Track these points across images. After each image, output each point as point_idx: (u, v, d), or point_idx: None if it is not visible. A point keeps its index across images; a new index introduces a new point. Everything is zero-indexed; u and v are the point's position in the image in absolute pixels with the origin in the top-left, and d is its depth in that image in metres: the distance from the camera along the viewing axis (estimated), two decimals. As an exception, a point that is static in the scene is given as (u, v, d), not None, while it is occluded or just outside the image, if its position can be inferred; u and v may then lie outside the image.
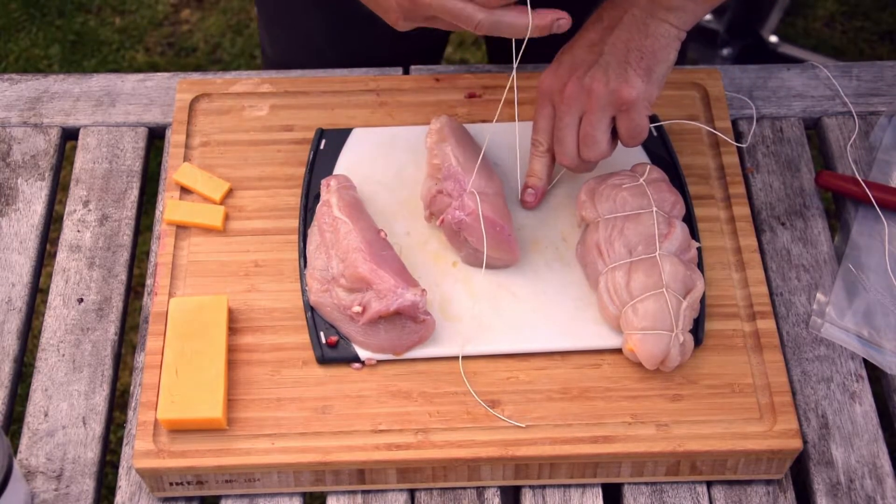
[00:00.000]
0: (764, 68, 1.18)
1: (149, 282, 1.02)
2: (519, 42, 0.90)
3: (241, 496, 0.92)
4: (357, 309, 0.93)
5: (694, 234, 1.00)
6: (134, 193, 1.08)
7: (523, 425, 0.91)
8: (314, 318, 0.96)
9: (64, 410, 0.95)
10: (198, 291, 0.98)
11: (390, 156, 1.06)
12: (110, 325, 1.00)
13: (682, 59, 1.24)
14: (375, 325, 0.93)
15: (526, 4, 0.88)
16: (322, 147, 1.07)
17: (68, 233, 1.05)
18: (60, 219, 1.08)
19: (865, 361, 0.98)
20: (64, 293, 1.02)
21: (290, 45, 1.29)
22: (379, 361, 0.94)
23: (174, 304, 0.95)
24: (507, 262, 0.99)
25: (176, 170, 1.05)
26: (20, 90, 1.16)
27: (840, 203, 1.09)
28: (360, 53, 1.18)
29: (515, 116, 1.03)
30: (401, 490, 0.93)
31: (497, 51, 1.32)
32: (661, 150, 1.06)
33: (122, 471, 0.94)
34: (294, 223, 1.02)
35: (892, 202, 1.05)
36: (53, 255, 1.05)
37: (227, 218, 1.03)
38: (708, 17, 2.23)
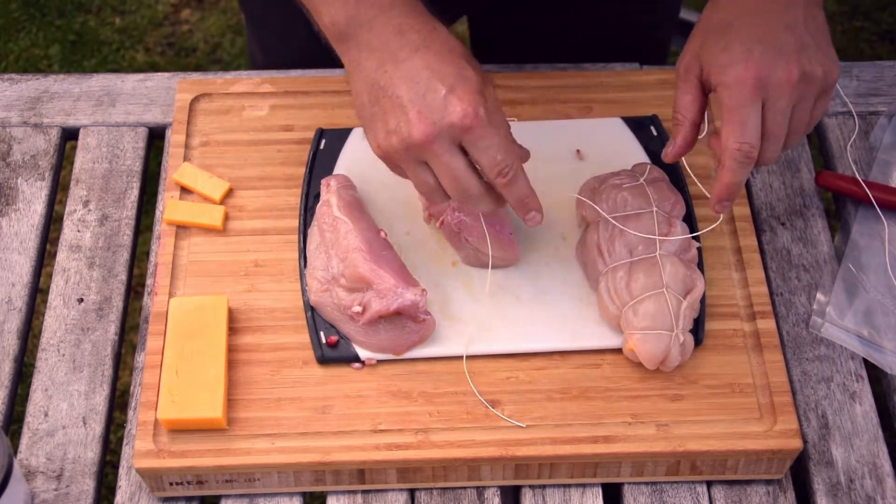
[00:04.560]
0: (764, 68, 1.18)
1: (149, 282, 1.02)
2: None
3: (241, 496, 0.92)
4: (357, 309, 0.93)
5: (694, 234, 1.00)
6: (134, 193, 1.08)
7: (523, 425, 0.91)
8: (314, 317, 0.96)
9: (64, 410, 0.95)
10: (198, 291, 0.98)
11: (390, 156, 1.06)
12: (110, 325, 1.00)
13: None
14: (375, 325, 0.93)
15: None
16: (322, 147, 1.07)
17: (68, 233, 1.05)
18: (60, 219, 1.08)
19: (865, 361, 0.98)
20: (64, 293, 1.02)
21: (276, 51, 1.28)
22: (379, 361, 0.94)
23: (174, 304, 0.95)
24: (507, 261, 0.98)
25: (176, 170, 1.05)
26: (20, 90, 1.16)
27: (840, 203, 1.09)
28: None
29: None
30: (401, 490, 0.93)
31: (481, 52, 1.33)
32: (660, 150, 1.06)
33: (122, 471, 0.94)
34: (294, 223, 1.02)
35: (892, 202, 1.05)
36: (53, 255, 1.05)
37: (227, 218, 1.03)
38: (708, 17, 2.22)
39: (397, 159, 0.84)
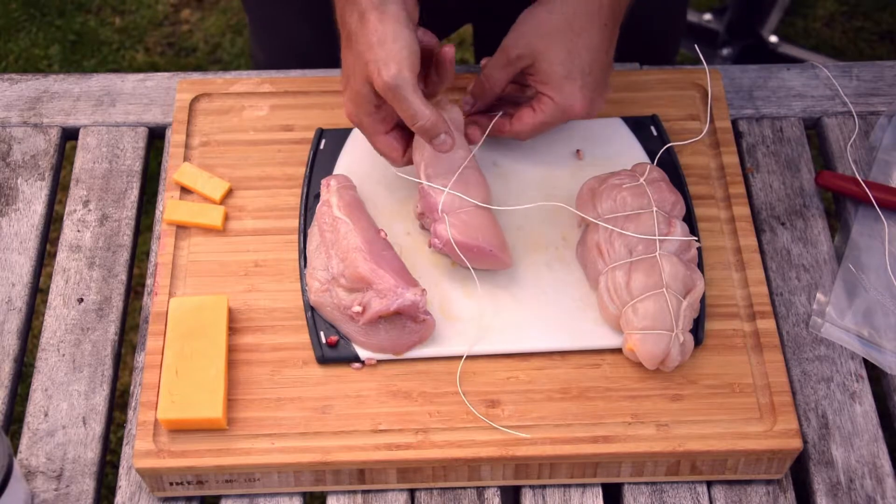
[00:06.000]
0: (764, 68, 1.18)
1: (149, 282, 1.02)
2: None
3: (241, 496, 0.92)
4: (357, 309, 0.93)
5: (694, 233, 1.00)
6: (134, 193, 1.08)
7: (527, 429, 0.91)
8: (314, 317, 0.96)
9: (64, 410, 0.95)
10: (198, 291, 0.99)
11: (390, 156, 1.06)
12: (110, 325, 1.00)
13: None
14: (375, 325, 0.93)
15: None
16: (322, 147, 1.07)
17: (68, 233, 1.05)
18: (60, 219, 1.08)
19: (865, 361, 0.98)
20: (64, 293, 1.02)
21: (279, 51, 1.29)
22: (379, 361, 0.94)
23: (174, 304, 0.95)
24: (501, 268, 0.98)
25: (176, 170, 1.05)
26: (20, 90, 1.16)
27: (840, 203, 1.09)
28: None
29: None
30: (401, 490, 0.93)
31: (484, 53, 1.33)
32: (660, 150, 1.06)
33: (122, 471, 0.94)
34: (294, 223, 1.02)
35: (892, 202, 1.05)
36: (53, 255, 1.05)
37: (227, 218, 1.03)
38: (708, 16, 2.23)
39: None
